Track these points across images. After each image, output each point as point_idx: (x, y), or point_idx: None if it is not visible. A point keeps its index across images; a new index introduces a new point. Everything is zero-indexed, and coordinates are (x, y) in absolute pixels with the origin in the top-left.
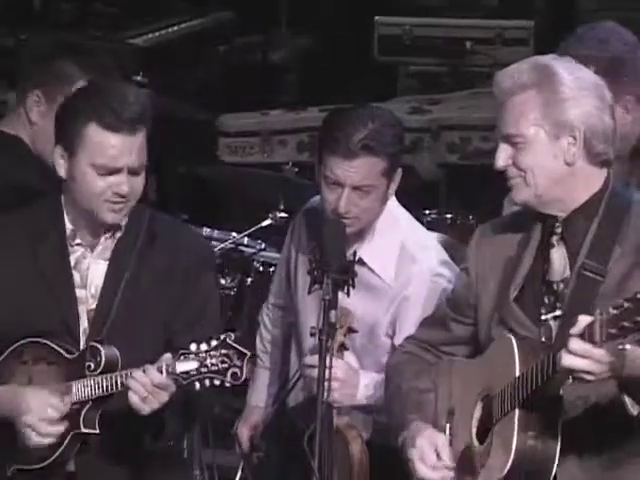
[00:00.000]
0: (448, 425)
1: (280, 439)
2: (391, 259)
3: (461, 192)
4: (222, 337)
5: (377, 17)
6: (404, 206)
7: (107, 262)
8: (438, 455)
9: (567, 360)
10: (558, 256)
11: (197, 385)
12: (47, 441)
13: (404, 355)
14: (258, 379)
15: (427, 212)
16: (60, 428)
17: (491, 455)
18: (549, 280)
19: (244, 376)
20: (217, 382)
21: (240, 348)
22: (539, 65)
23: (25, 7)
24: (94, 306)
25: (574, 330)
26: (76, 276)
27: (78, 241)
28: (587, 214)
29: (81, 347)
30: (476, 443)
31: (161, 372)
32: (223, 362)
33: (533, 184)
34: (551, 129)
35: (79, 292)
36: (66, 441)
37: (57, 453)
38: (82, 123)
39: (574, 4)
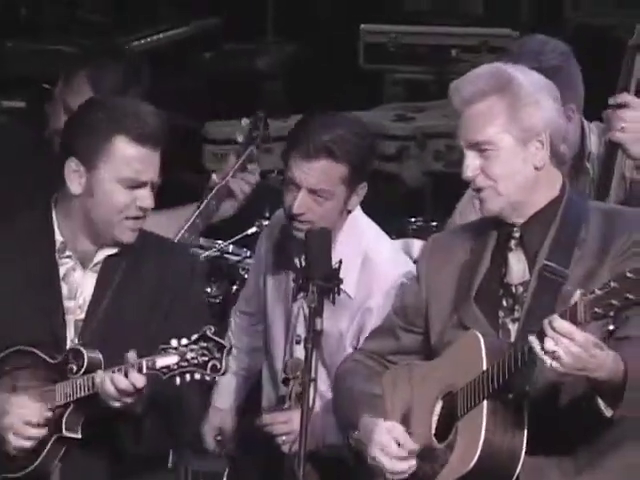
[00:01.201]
0: (405, 426)
1: (255, 447)
2: (353, 270)
3: (447, 200)
4: (202, 330)
5: (363, 25)
6: (388, 214)
7: (96, 274)
8: (399, 444)
9: (550, 342)
10: (516, 260)
11: (177, 380)
12: (28, 444)
13: (353, 363)
14: (222, 382)
15: (413, 220)
16: (41, 431)
17: (455, 451)
18: (507, 283)
19: (223, 368)
20: (197, 376)
21: (219, 340)
22: (496, 71)
23: (11, 14)
24: (82, 316)
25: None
26: (64, 287)
27: (68, 253)
28: (546, 219)
29: (61, 356)
30: (435, 441)
31: (141, 369)
32: (203, 355)
33: (505, 192)
34: (518, 134)
35: (67, 303)
36: (48, 446)
37: (40, 458)
38: (106, 136)
39: (559, 13)
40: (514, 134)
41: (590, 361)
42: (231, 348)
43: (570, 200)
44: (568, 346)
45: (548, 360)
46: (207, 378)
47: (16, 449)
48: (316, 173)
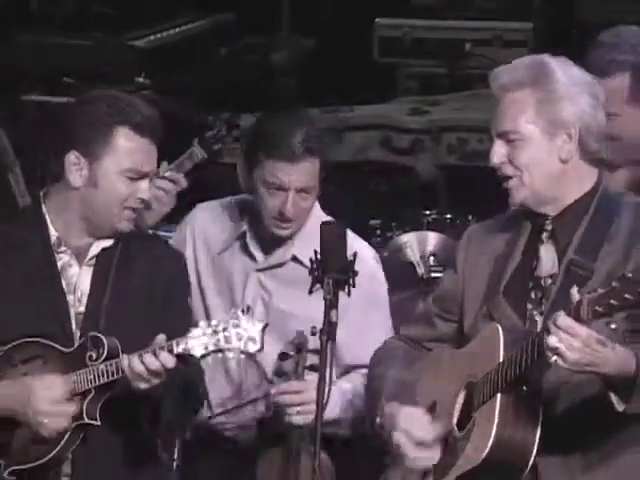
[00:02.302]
0: (431, 416)
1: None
2: None
3: (460, 193)
4: (233, 311)
5: (377, 19)
6: (402, 206)
7: (90, 268)
8: (424, 432)
9: (552, 338)
10: (546, 252)
11: (210, 360)
12: (66, 423)
13: (388, 350)
14: None
15: (427, 212)
16: (72, 406)
17: (471, 440)
18: (537, 275)
19: (260, 346)
20: (231, 355)
21: (254, 319)
22: (535, 63)
23: (23, 8)
24: (82, 309)
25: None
26: (63, 282)
27: (63, 248)
28: (578, 212)
29: (75, 345)
30: (456, 429)
31: (172, 350)
32: (237, 334)
33: (529, 182)
34: (546, 127)
35: (67, 296)
36: (67, 434)
37: (59, 447)
38: (108, 127)
39: (572, 6)
40: (542, 126)
41: (594, 356)
42: (267, 325)
43: (604, 195)
44: (570, 342)
45: (551, 355)
46: (242, 357)
47: (54, 431)
48: (302, 173)
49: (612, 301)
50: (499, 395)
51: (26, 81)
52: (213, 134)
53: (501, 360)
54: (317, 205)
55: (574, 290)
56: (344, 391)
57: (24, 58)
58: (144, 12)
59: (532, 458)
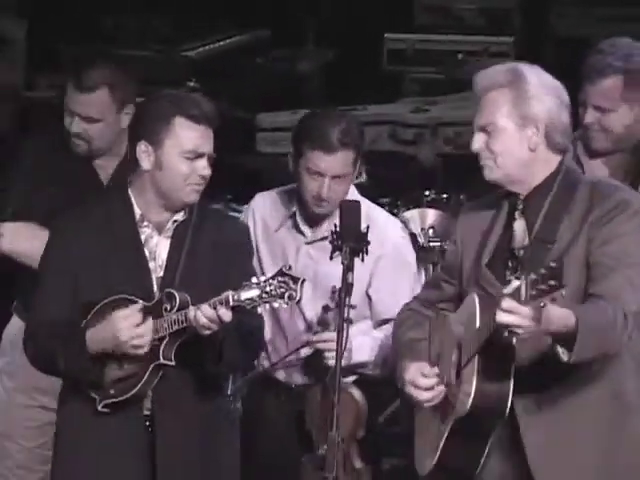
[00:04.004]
0: (437, 367)
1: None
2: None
3: (454, 176)
4: (279, 268)
5: (386, 34)
6: (407, 188)
7: (169, 239)
8: (426, 377)
9: (500, 316)
10: (519, 227)
11: (259, 309)
12: (147, 340)
13: (407, 312)
14: None
15: (427, 193)
16: (149, 325)
17: (460, 392)
18: (512, 247)
19: (299, 296)
20: (276, 304)
21: (294, 274)
22: (512, 68)
23: (95, 25)
24: (161, 274)
25: (506, 291)
26: (145, 251)
27: (146, 223)
28: (543, 192)
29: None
30: (454, 381)
31: (228, 302)
32: (281, 287)
33: (502, 166)
34: (518, 120)
35: (149, 264)
36: (147, 373)
37: (140, 384)
38: (168, 118)
39: (548, 23)
40: (514, 120)
41: (536, 326)
42: (304, 280)
43: (564, 176)
44: (514, 320)
45: (504, 331)
46: (284, 306)
47: (139, 349)
48: (338, 163)
49: (542, 286)
50: (477, 356)
51: None
52: None
53: (477, 326)
54: (353, 188)
55: (515, 281)
56: (375, 337)
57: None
58: (195, 29)
59: (508, 406)
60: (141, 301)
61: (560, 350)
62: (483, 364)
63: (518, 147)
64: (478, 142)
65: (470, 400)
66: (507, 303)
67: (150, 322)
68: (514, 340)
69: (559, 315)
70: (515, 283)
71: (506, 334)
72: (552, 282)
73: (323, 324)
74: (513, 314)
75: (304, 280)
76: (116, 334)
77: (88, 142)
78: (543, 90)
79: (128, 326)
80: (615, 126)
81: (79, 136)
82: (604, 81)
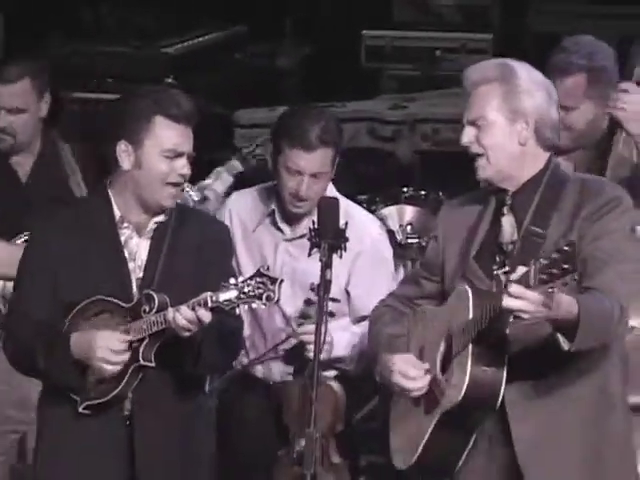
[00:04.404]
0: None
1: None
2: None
3: (433, 173)
4: (256, 270)
5: (364, 31)
6: (385, 184)
7: (149, 240)
8: (414, 370)
9: (507, 301)
10: (508, 223)
11: (237, 310)
12: (117, 369)
13: (383, 308)
14: None
15: (405, 190)
16: (126, 356)
17: (451, 383)
18: (500, 242)
19: (277, 297)
20: (254, 305)
21: (272, 275)
22: (502, 63)
23: (76, 20)
24: (141, 275)
25: (514, 276)
26: (125, 252)
27: (125, 224)
28: (532, 188)
29: (134, 300)
30: (440, 374)
31: (207, 303)
32: (259, 288)
33: (494, 161)
34: (508, 114)
35: (129, 264)
36: (127, 375)
37: (120, 386)
38: (148, 117)
39: (525, 20)
40: (504, 114)
41: (542, 311)
42: (282, 281)
43: (553, 173)
44: (522, 304)
45: (510, 315)
46: (262, 307)
47: (108, 375)
48: (317, 161)
49: (554, 270)
50: (471, 345)
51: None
52: (249, 151)
53: (471, 317)
54: (331, 186)
55: (521, 267)
56: (354, 333)
57: (77, 61)
58: (173, 25)
59: (501, 395)
60: (123, 303)
61: (561, 338)
62: (476, 355)
63: (508, 141)
64: (468, 136)
65: (463, 390)
66: (515, 288)
67: (127, 355)
68: (507, 330)
69: (568, 301)
70: (522, 269)
71: (511, 319)
72: (565, 265)
73: (305, 317)
74: (521, 299)
75: (282, 280)
76: (93, 346)
77: (14, 136)
78: (533, 86)
79: (105, 348)
80: (578, 123)
81: (4, 130)
82: (568, 79)
